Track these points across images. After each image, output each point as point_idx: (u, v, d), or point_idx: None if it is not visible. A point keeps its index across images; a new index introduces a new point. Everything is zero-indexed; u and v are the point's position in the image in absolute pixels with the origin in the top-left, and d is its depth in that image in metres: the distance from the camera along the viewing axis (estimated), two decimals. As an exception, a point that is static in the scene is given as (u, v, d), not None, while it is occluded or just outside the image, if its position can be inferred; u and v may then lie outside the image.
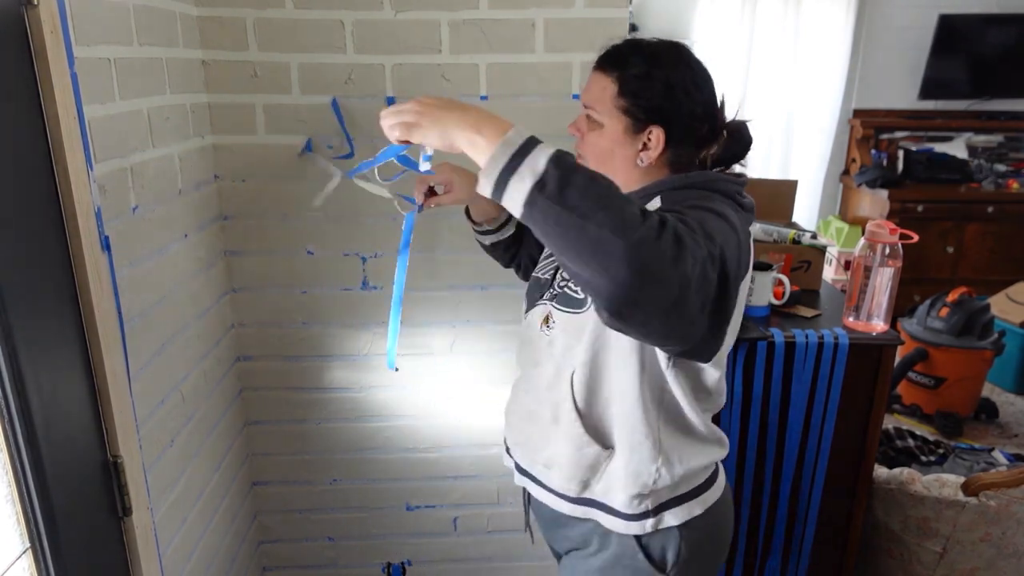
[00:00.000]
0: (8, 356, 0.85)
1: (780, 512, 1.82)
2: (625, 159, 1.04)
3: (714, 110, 1.05)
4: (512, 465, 1.23)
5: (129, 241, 1.15)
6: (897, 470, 1.93)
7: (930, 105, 4.27)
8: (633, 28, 4.55)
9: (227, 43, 1.46)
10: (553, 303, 1.08)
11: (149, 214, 1.22)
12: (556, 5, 1.47)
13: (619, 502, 1.06)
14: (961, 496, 1.84)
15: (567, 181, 0.74)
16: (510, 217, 1.33)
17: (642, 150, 1.03)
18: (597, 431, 1.06)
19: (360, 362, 1.69)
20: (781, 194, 2.41)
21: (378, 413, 1.74)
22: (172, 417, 1.30)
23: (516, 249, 1.36)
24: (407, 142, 0.92)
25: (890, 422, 3.00)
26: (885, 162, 4.21)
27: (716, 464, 1.14)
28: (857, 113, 4.32)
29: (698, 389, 1.05)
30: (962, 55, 4.19)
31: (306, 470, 1.77)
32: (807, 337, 1.69)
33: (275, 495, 1.78)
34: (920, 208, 3.91)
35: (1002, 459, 2.27)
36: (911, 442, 2.33)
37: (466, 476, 1.80)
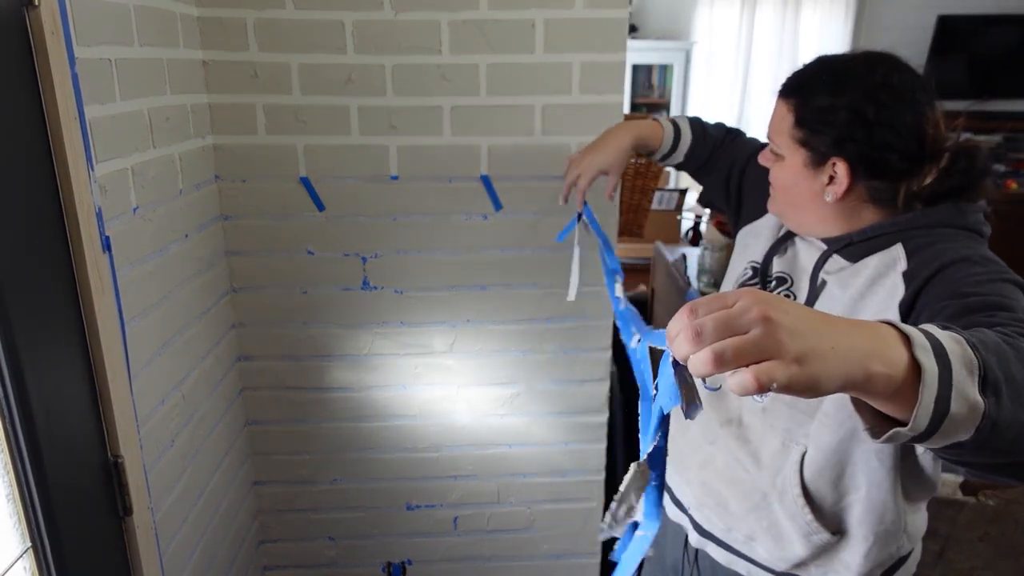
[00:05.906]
0: (9, 356, 0.85)
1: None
2: (811, 194, 0.93)
3: (920, 135, 0.87)
4: (669, 503, 1.12)
5: (130, 241, 1.15)
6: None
7: (929, 105, 4.28)
8: (633, 28, 4.56)
9: (227, 43, 1.46)
10: None
11: (150, 214, 1.23)
12: (556, 5, 1.47)
13: None
14: (960, 495, 1.84)
15: (1017, 397, 0.55)
16: (670, 151, 1.31)
17: (828, 184, 0.91)
18: (829, 519, 0.93)
19: (360, 362, 1.70)
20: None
21: (378, 413, 1.74)
22: (172, 417, 1.30)
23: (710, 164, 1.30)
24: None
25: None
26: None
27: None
28: (857, 113, 4.33)
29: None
30: (962, 55, 4.21)
31: (306, 470, 1.77)
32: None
33: (275, 495, 1.79)
34: (919, 208, 3.91)
35: (1001, 459, 2.28)
36: (910, 442, 2.33)
37: (466, 476, 1.80)
